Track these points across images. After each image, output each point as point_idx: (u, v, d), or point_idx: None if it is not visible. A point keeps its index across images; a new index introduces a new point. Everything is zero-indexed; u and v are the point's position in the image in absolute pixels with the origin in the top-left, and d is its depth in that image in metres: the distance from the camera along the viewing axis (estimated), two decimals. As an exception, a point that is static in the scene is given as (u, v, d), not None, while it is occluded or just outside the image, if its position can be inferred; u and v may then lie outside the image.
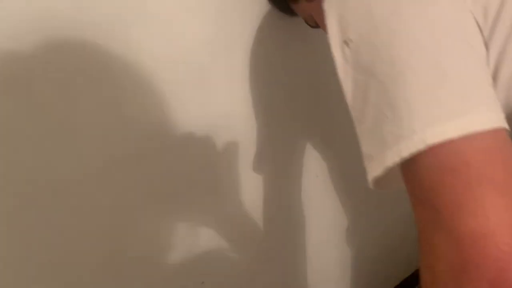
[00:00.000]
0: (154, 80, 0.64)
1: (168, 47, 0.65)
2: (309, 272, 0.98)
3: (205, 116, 0.73)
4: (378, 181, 0.38)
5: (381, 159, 0.36)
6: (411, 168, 0.36)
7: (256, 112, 0.81)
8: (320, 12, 0.52)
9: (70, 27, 0.56)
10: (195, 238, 0.75)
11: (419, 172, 0.35)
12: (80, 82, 0.58)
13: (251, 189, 0.83)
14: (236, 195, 0.81)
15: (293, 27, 0.81)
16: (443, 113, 0.34)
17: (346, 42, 0.41)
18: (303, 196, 0.92)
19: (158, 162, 0.68)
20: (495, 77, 0.41)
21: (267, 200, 0.85)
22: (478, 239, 0.30)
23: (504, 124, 0.35)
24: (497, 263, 0.30)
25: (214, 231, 0.79)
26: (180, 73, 0.68)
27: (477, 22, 0.39)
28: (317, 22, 0.69)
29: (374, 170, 0.37)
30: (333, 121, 0.97)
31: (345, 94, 0.42)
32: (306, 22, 0.73)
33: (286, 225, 0.92)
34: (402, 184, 0.38)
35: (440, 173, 0.34)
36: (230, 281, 0.83)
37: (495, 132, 0.34)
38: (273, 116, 0.84)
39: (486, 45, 0.40)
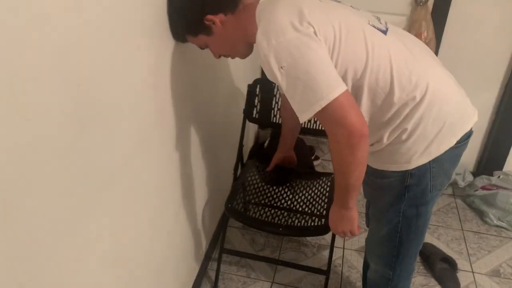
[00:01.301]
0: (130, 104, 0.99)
1: (131, 90, 1.01)
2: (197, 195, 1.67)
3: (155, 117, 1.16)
4: (306, 119, 0.96)
5: (311, 110, 0.94)
6: (323, 110, 0.93)
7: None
8: (215, 41, 1.15)
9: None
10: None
11: (327, 111, 0.93)
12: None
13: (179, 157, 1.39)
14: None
15: (192, 49, 1.28)
16: (332, 88, 0.92)
17: (281, 67, 0.94)
18: (193, 159, 1.55)
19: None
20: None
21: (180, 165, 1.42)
22: (353, 124, 0.93)
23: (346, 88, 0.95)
24: (359, 130, 0.94)
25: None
26: (139, 103, 1.06)
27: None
28: (207, 45, 1.18)
29: (308, 115, 0.95)
30: (215, 115, 1.76)
31: (282, 87, 0.96)
32: (199, 47, 1.21)
33: (191, 173, 1.55)
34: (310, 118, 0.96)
35: (335, 108, 0.93)
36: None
37: (346, 90, 0.94)
38: (187, 114, 1.39)
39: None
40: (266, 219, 1.61)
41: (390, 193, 1.17)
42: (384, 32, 1.07)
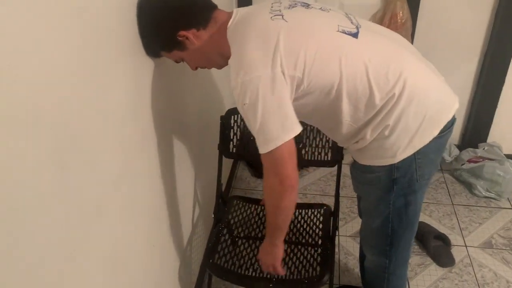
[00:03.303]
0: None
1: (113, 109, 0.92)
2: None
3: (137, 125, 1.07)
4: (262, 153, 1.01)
5: (265, 148, 0.99)
6: (269, 153, 1.00)
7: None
8: (190, 55, 1.15)
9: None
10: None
11: (271, 155, 1.00)
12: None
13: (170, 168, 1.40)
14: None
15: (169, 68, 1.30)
16: (286, 131, 0.99)
17: (243, 104, 0.98)
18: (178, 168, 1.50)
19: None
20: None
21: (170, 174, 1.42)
22: (287, 176, 1.03)
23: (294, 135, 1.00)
24: (290, 182, 1.04)
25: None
26: (121, 129, 0.97)
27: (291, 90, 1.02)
28: (182, 59, 1.18)
29: (263, 151, 1.00)
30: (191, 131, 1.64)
31: (245, 121, 1.01)
32: (174, 61, 1.20)
33: (182, 176, 1.53)
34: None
35: (277, 156, 1.00)
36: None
37: (292, 140, 1.00)
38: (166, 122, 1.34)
39: (297, 99, 1.04)
40: (253, 273, 1.42)
41: (379, 186, 1.18)
42: (355, 34, 1.05)
